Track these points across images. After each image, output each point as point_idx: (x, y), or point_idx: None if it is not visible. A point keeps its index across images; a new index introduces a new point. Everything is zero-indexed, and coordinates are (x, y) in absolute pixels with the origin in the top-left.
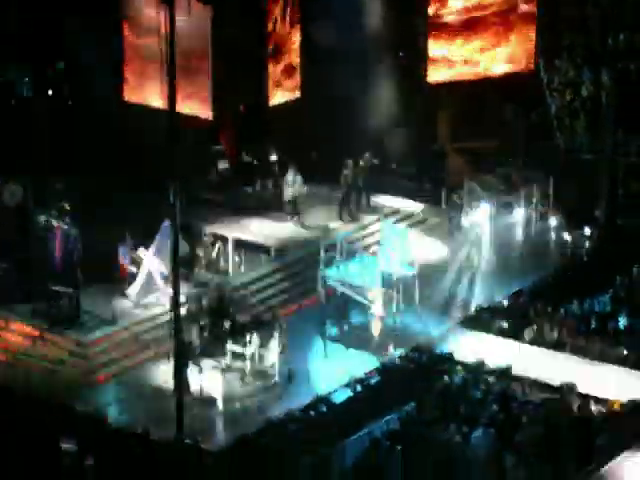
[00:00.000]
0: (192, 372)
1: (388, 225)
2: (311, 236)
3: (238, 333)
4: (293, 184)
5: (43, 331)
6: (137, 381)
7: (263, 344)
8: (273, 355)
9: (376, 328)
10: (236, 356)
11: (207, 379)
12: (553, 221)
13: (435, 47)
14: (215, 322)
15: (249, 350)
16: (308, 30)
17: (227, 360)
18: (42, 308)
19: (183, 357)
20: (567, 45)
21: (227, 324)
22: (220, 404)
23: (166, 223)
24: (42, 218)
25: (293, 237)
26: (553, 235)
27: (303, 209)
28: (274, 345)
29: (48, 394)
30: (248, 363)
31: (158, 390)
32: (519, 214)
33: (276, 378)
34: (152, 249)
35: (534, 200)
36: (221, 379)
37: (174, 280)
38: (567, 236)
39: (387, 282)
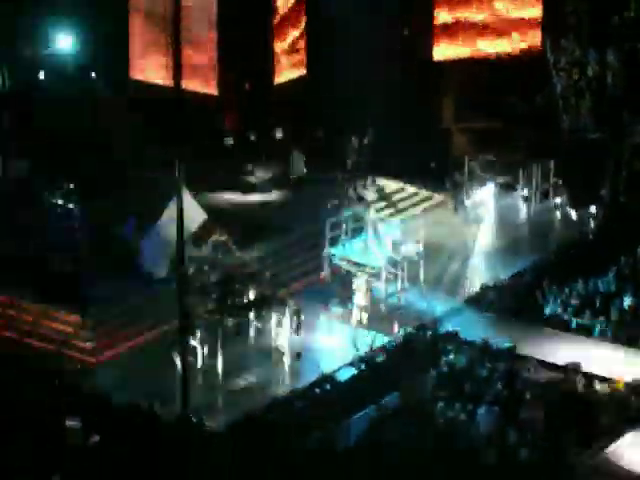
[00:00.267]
0: (196, 347)
1: (375, 215)
2: (315, 214)
3: (248, 309)
4: (297, 164)
5: (47, 309)
6: (141, 358)
7: (275, 322)
8: (284, 333)
9: (356, 318)
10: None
11: (212, 354)
12: (556, 200)
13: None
14: (223, 297)
15: (259, 325)
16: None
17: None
18: (46, 287)
19: (188, 331)
20: (573, 25)
21: (237, 299)
22: (223, 380)
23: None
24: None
25: (298, 214)
26: (558, 214)
27: (306, 187)
28: (286, 324)
29: (53, 372)
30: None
31: (162, 366)
32: (521, 194)
33: (286, 356)
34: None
35: (534, 180)
36: (222, 353)
37: (179, 253)
38: (573, 215)
39: (391, 261)
